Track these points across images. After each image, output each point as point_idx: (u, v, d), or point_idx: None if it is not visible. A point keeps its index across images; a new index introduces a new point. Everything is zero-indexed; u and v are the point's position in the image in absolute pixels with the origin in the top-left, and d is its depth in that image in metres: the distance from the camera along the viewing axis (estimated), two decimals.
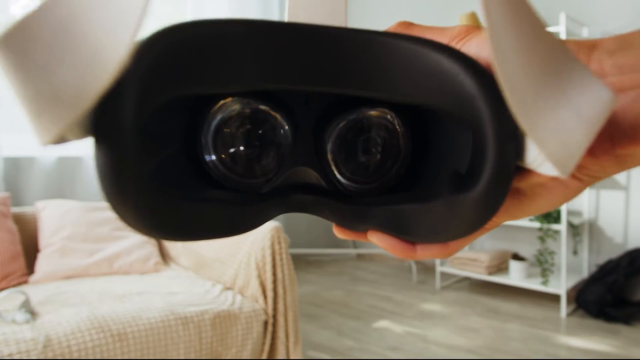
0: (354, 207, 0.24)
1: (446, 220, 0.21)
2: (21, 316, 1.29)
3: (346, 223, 0.25)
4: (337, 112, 0.25)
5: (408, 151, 0.26)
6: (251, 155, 0.25)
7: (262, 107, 0.25)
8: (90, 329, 1.28)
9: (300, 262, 3.35)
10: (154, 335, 1.35)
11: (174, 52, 0.19)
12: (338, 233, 0.26)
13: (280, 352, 1.55)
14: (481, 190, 0.19)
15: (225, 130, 0.25)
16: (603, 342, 2.15)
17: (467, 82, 0.19)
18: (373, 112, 0.25)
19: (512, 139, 0.19)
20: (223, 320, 1.46)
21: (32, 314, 1.33)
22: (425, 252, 0.23)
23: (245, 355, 1.49)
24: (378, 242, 0.24)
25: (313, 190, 0.25)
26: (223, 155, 0.25)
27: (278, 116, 0.25)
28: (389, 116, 0.25)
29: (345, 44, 0.21)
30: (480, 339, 2.17)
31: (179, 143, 0.24)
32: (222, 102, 0.24)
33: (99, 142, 0.17)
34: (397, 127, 0.26)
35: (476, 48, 0.21)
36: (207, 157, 0.25)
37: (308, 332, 2.22)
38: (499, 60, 0.16)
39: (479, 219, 0.20)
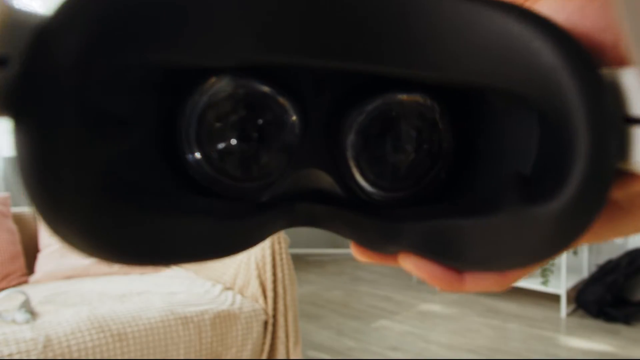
0: (381, 222, 0.18)
1: (512, 241, 0.15)
2: (21, 316, 1.29)
3: (369, 242, 0.19)
4: (359, 98, 0.20)
5: (451, 148, 0.20)
6: (247, 151, 0.19)
7: (262, 88, 0.19)
8: (90, 329, 1.28)
9: (300, 262, 3.35)
10: (153, 335, 1.35)
11: None
12: (358, 254, 0.19)
13: (280, 352, 1.55)
14: (568, 200, 0.14)
15: (213, 118, 0.19)
16: (603, 342, 2.15)
17: (546, 50, 0.14)
18: (404, 97, 0.20)
19: (613, 128, 0.13)
20: (223, 320, 1.46)
21: (32, 314, 1.33)
22: (476, 284, 0.17)
23: (245, 355, 1.49)
24: (413, 269, 0.18)
25: (326, 198, 0.20)
26: (210, 151, 0.19)
27: (282, 100, 0.19)
28: (426, 102, 0.20)
29: (378, 1, 0.15)
30: (480, 339, 2.17)
31: (149, 131, 0.18)
32: (209, 79, 0.19)
33: (20, 122, 0.12)
34: (437, 116, 0.20)
35: (549, 10, 0.16)
36: (189, 153, 0.19)
37: (308, 332, 2.22)
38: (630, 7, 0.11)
39: (560, 240, 0.15)
